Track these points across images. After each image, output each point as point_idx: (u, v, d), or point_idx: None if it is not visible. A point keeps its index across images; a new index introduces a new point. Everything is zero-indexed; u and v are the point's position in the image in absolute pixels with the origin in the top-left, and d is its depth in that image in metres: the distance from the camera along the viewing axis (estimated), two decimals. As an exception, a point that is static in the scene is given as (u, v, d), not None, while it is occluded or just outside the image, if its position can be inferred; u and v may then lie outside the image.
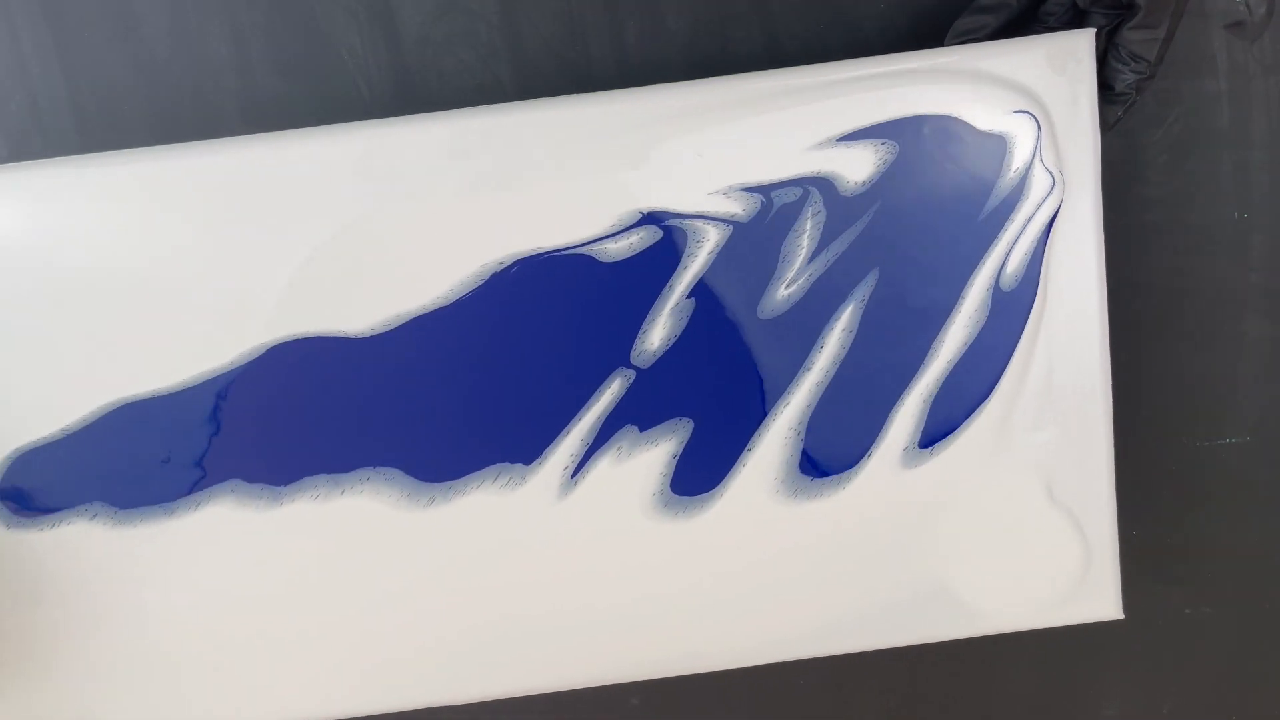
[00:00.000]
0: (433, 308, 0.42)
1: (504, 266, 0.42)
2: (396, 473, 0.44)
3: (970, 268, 0.44)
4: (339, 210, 0.42)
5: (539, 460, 0.44)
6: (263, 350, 0.41)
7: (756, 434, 0.45)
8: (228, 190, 0.40)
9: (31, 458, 0.40)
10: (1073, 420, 0.46)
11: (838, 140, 0.42)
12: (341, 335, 0.41)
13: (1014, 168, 0.43)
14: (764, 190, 0.43)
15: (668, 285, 0.43)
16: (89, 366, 0.40)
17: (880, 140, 0.43)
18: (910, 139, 0.43)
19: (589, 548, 0.46)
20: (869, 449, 0.45)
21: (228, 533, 0.43)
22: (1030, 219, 0.43)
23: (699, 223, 0.42)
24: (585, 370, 0.43)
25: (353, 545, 0.44)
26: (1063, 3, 0.45)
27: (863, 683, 0.70)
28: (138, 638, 0.42)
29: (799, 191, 0.43)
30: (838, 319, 0.43)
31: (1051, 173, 0.43)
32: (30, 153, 0.62)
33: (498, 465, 0.44)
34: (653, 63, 0.53)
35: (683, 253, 0.42)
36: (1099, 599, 0.49)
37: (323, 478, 0.43)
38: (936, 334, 0.44)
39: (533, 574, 0.46)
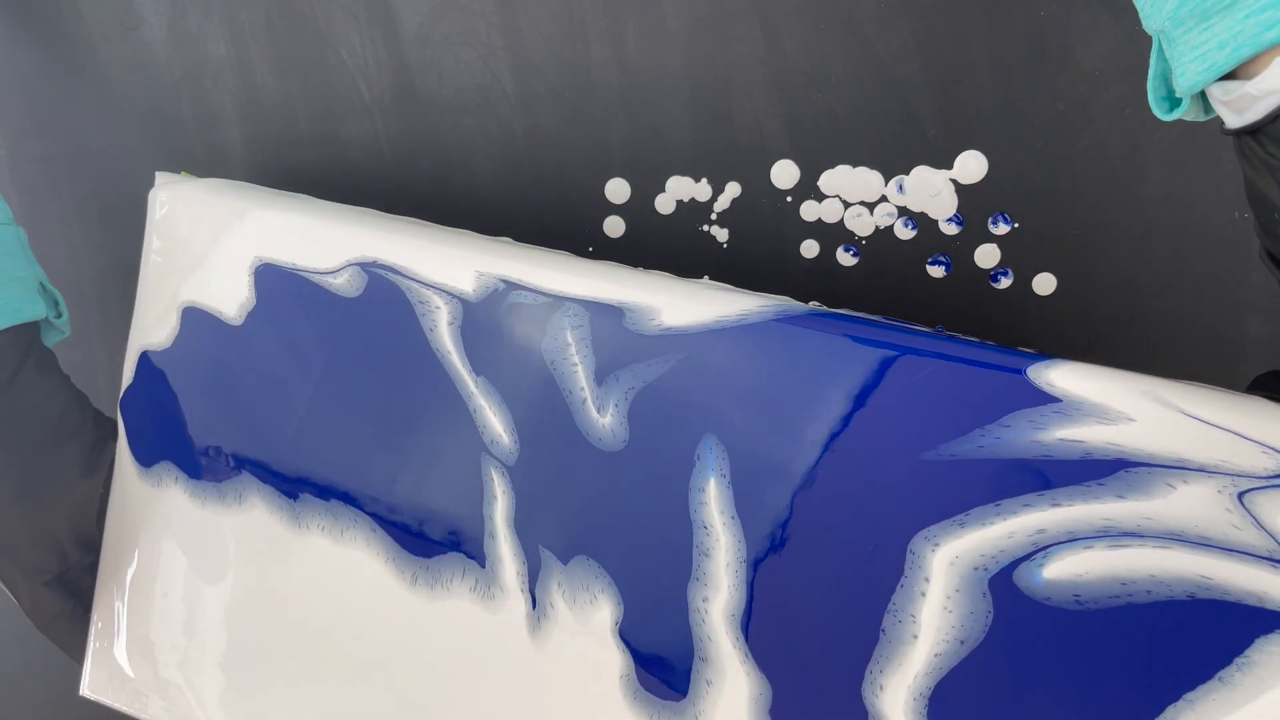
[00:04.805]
0: (248, 308, 0.49)
1: (260, 263, 0.48)
2: (370, 522, 0.47)
3: (911, 524, 0.38)
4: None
5: (492, 565, 0.45)
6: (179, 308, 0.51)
7: (698, 638, 0.41)
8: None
9: (147, 358, 0.51)
10: None
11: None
12: (225, 320, 0.50)
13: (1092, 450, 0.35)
14: (504, 281, 0.44)
15: (433, 348, 0.45)
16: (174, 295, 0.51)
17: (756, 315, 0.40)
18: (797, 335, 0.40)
19: (561, 704, 0.45)
20: None
21: (257, 535, 0.49)
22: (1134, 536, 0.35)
23: (415, 285, 0.45)
24: (448, 444, 0.45)
25: (350, 595, 0.48)
26: None
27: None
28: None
29: (542, 299, 0.43)
30: (703, 489, 0.41)
31: None
32: (29, 149, 0.62)
33: (456, 554, 0.46)
34: (653, 62, 0.53)
35: (415, 311, 0.45)
36: None
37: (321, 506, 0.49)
38: (887, 600, 0.38)
39: (502, 703, 0.46)
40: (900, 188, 0.53)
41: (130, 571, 0.52)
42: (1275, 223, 0.34)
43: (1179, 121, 0.36)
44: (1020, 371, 0.36)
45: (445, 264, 0.45)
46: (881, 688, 0.38)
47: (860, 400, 0.38)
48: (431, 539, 0.46)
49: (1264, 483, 0.34)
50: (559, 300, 0.43)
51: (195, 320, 0.49)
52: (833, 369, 0.39)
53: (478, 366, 0.45)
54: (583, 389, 0.43)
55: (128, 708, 0.52)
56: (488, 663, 0.45)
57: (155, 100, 0.59)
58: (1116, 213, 0.52)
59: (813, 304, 0.42)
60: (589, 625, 0.43)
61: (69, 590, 0.52)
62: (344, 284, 0.47)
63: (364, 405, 0.47)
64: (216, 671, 0.51)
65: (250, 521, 0.49)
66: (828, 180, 0.54)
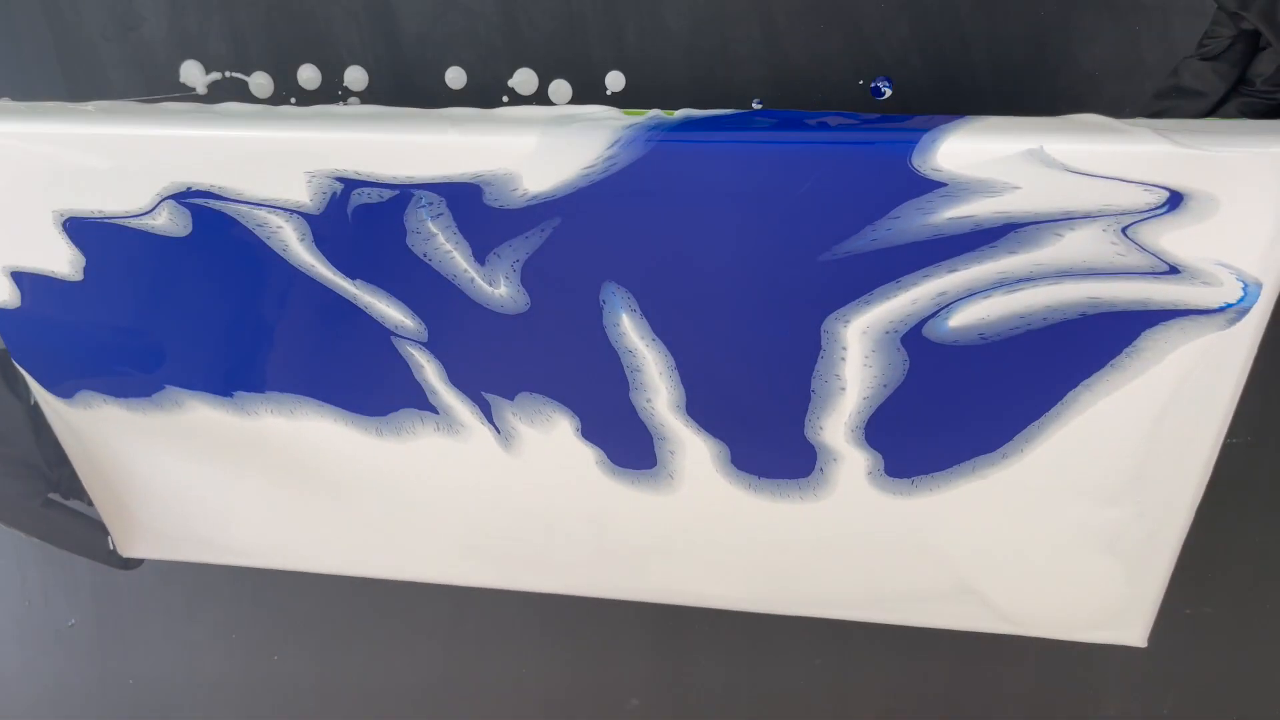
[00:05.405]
0: (81, 264, 0.46)
1: (64, 218, 0.44)
2: (310, 400, 0.48)
3: (820, 312, 0.41)
4: None
5: (446, 411, 0.47)
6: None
7: (651, 426, 0.46)
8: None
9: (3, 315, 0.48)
10: (1155, 504, 0.45)
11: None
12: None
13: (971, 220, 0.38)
14: (340, 179, 0.41)
15: (295, 266, 0.43)
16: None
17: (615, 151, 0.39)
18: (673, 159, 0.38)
19: (550, 487, 0.49)
20: (817, 464, 0.46)
21: (212, 427, 0.51)
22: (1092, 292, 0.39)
23: (245, 208, 0.42)
24: (354, 337, 0.45)
25: (325, 452, 0.50)
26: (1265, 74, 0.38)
27: (867, 682, 0.70)
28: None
29: (389, 192, 0.41)
30: (618, 324, 0.43)
31: (1220, 266, 0.38)
32: (30, 153, 0.62)
33: (408, 409, 0.48)
34: (653, 63, 0.53)
35: (257, 235, 0.43)
36: (1128, 629, 0.49)
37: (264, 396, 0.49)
38: (811, 369, 0.42)
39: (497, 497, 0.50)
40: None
41: (110, 473, 0.54)
42: None
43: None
44: (905, 159, 0.37)
45: (268, 173, 0.41)
46: (821, 428, 0.44)
47: (751, 210, 0.39)
48: (377, 403, 0.48)
49: (1145, 215, 0.36)
50: (407, 191, 0.40)
51: (32, 283, 0.46)
52: (716, 182, 0.38)
53: (350, 272, 0.44)
54: (467, 271, 0.42)
55: (163, 555, 0.57)
56: (475, 477, 0.49)
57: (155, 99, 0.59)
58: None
59: (682, 112, 0.39)
60: (553, 435, 0.47)
61: (67, 497, 0.56)
62: (166, 224, 0.43)
63: (253, 322, 0.46)
64: (225, 525, 0.54)
65: (199, 419, 0.50)
66: (828, 180, 0.54)
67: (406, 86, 0.56)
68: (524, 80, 0.55)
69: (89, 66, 0.59)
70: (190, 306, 0.46)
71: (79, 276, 0.46)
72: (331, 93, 0.57)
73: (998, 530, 0.47)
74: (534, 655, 0.73)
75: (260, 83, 0.57)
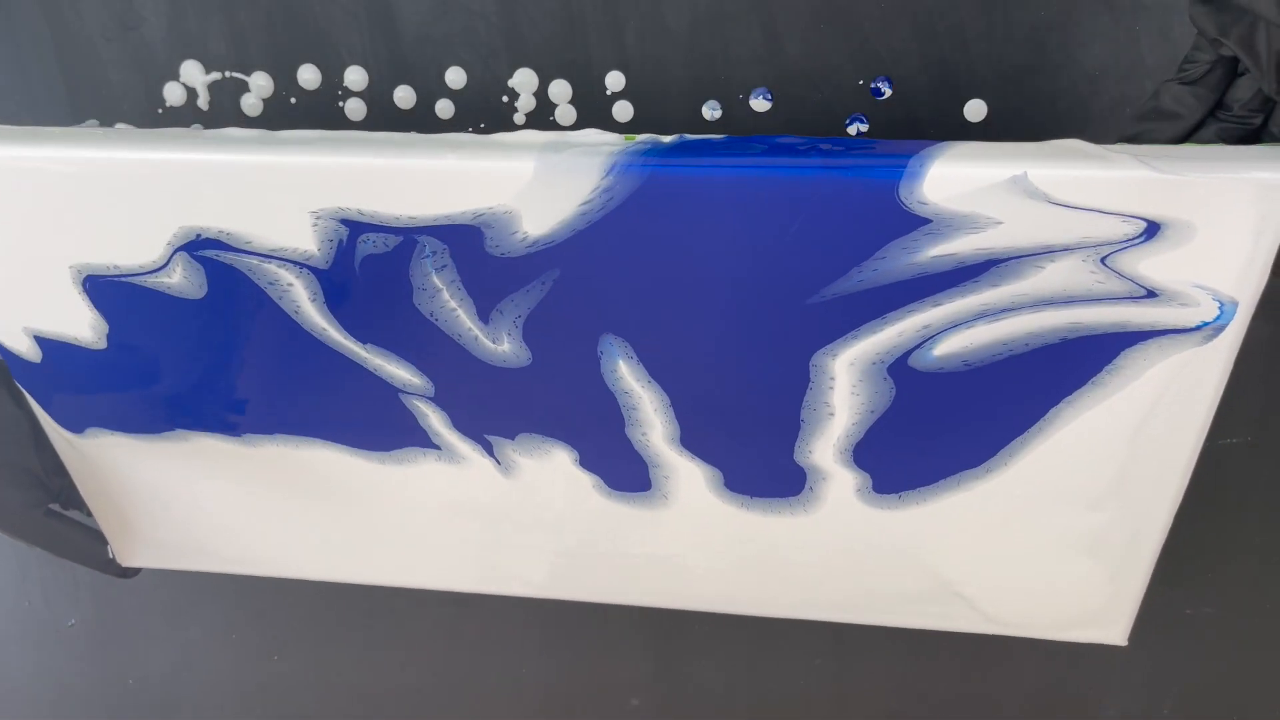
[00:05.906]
0: (103, 330, 0.47)
1: (83, 275, 0.45)
2: (321, 441, 0.50)
3: (807, 349, 0.42)
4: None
5: (448, 448, 0.49)
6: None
7: (646, 457, 0.48)
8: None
9: (20, 362, 0.49)
10: (1135, 508, 0.46)
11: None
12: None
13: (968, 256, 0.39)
14: (344, 220, 0.41)
15: (306, 329, 0.45)
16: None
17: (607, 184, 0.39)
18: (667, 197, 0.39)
19: (557, 510, 0.51)
20: (806, 484, 0.48)
21: (217, 452, 0.52)
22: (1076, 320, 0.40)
23: (255, 261, 0.43)
24: (362, 394, 0.47)
25: (328, 474, 0.52)
26: (1243, 99, 0.38)
27: (867, 682, 0.70)
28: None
29: (394, 239, 0.41)
30: (615, 370, 0.44)
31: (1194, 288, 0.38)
32: (30, 153, 0.62)
33: (412, 447, 0.50)
34: (653, 63, 0.53)
35: (269, 294, 0.44)
36: (1110, 628, 0.51)
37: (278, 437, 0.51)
38: (801, 400, 0.44)
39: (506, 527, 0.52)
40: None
41: (111, 487, 0.55)
42: None
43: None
44: (893, 188, 0.37)
45: (275, 216, 0.41)
46: (811, 451, 0.46)
47: (742, 252, 0.40)
48: (382, 442, 0.50)
49: (1124, 245, 0.38)
50: (411, 238, 0.41)
51: (53, 346, 0.48)
52: (709, 216, 0.39)
53: (360, 335, 0.45)
54: (470, 329, 0.44)
55: (163, 564, 0.58)
56: (474, 495, 0.51)
57: (156, 100, 0.59)
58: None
59: (675, 137, 0.40)
60: (551, 464, 0.49)
61: (67, 507, 0.56)
62: (181, 282, 0.44)
63: (266, 378, 0.48)
64: (225, 535, 0.56)
65: (205, 447, 0.52)
66: (828, 180, 0.54)
67: (406, 87, 0.56)
68: (524, 80, 0.55)
69: (89, 66, 0.59)
70: (206, 364, 0.48)
71: (102, 345, 0.47)
72: (332, 93, 0.57)
73: (983, 538, 0.48)
74: (534, 656, 0.73)
75: (260, 83, 0.57)
